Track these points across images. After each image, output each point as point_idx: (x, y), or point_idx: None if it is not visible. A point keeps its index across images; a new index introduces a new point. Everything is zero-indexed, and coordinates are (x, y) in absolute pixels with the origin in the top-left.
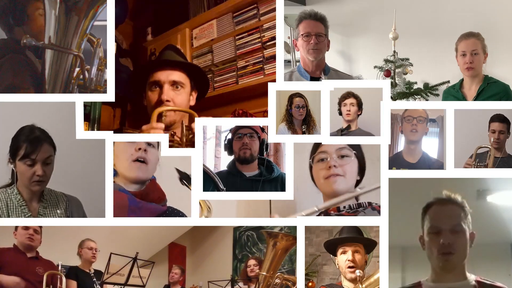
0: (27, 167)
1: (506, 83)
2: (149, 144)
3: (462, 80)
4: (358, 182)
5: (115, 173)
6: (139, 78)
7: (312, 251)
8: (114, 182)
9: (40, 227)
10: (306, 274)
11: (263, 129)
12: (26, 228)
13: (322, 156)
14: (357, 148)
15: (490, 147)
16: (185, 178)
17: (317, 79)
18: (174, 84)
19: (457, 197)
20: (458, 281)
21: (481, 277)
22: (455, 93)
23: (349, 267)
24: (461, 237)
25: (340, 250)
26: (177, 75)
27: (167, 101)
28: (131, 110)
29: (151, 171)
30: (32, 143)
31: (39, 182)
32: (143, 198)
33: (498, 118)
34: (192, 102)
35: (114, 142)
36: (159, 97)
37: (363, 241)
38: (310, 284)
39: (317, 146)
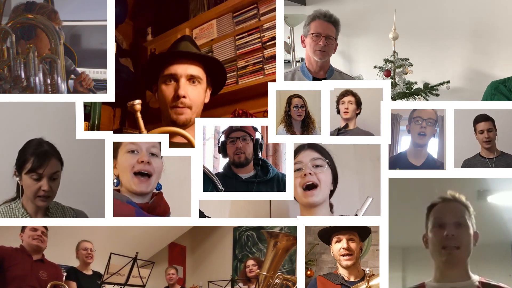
0: (33, 181)
1: None
2: (152, 154)
3: None
4: (332, 192)
5: (118, 183)
6: (152, 69)
7: (311, 239)
8: (121, 192)
9: (46, 229)
10: (305, 263)
11: (256, 129)
12: (35, 229)
13: (298, 166)
14: (329, 158)
15: None
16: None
17: (319, 80)
18: (192, 78)
19: (461, 197)
20: (462, 280)
21: (485, 278)
22: (506, 92)
23: (344, 254)
24: (465, 231)
25: (334, 239)
26: (195, 69)
27: (184, 96)
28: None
29: (155, 182)
30: (39, 157)
31: (44, 198)
32: (150, 211)
33: (483, 117)
34: (206, 100)
35: (117, 153)
36: (175, 92)
37: (357, 229)
38: (308, 272)
39: (293, 156)
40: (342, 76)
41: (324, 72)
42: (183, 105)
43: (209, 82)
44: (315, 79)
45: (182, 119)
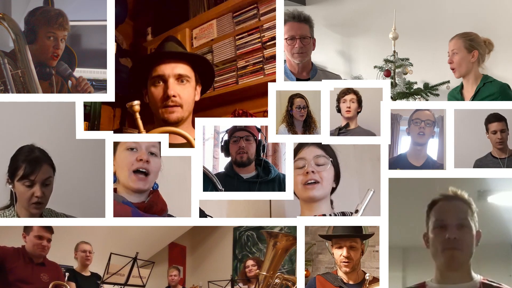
0: (25, 188)
1: (504, 82)
2: (151, 153)
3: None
4: (333, 190)
5: (116, 180)
6: (140, 73)
7: (308, 239)
8: (117, 193)
9: (51, 232)
10: None
11: (259, 130)
12: (40, 238)
13: (300, 163)
14: (333, 156)
15: None
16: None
17: (303, 80)
18: (180, 77)
19: (463, 194)
20: (464, 282)
21: (487, 279)
22: (456, 94)
23: (344, 261)
24: (467, 233)
25: (335, 244)
26: (183, 68)
27: (174, 96)
28: None
29: (152, 181)
30: (31, 163)
31: (37, 204)
32: (147, 210)
33: (495, 117)
34: (197, 97)
35: (116, 150)
36: (164, 93)
37: (360, 236)
38: (304, 273)
39: (296, 152)
40: (326, 75)
41: (307, 72)
42: (174, 103)
43: (198, 80)
44: (298, 80)
45: (173, 117)
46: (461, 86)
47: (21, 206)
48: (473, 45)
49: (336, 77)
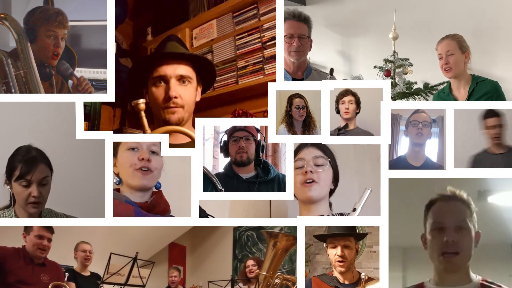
0: (22, 188)
1: (494, 80)
2: (152, 152)
3: (450, 83)
4: (332, 191)
5: (120, 181)
6: (140, 72)
7: (305, 240)
8: (120, 192)
9: (52, 232)
10: None
11: (258, 130)
12: (40, 237)
13: (299, 163)
14: (331, 157)
15: None
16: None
17: (298, 80)
18: (181, 78)
19: (462, 194)
20: (462, 284)
21: (486, 280)
22: (445, 97)
23: (339, 261)
24: (465, 235)
25: (329, 244)
26: (184, 69)
27: (175, 97)
28: (131, 110)
29: (156, 178)
30: (27, 163)
31: (35, 204)
32: (149, 210)
33: (492, 113)
34: (198, 98)
35: (117, 151)
36: (166, 94)
37: (353, 235)
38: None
39: (295, 153)
40: (320, 74)
41: (302, 72)
42: (176, 105)
43: (199, 80)
44: (294, 80)
45: (174, 118)
46: (449, 87)
47: (19, 206)
48: (465, 46)
49: (331, 77)
